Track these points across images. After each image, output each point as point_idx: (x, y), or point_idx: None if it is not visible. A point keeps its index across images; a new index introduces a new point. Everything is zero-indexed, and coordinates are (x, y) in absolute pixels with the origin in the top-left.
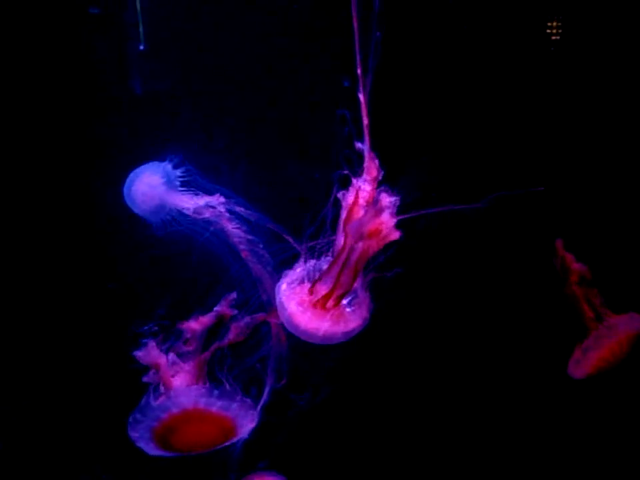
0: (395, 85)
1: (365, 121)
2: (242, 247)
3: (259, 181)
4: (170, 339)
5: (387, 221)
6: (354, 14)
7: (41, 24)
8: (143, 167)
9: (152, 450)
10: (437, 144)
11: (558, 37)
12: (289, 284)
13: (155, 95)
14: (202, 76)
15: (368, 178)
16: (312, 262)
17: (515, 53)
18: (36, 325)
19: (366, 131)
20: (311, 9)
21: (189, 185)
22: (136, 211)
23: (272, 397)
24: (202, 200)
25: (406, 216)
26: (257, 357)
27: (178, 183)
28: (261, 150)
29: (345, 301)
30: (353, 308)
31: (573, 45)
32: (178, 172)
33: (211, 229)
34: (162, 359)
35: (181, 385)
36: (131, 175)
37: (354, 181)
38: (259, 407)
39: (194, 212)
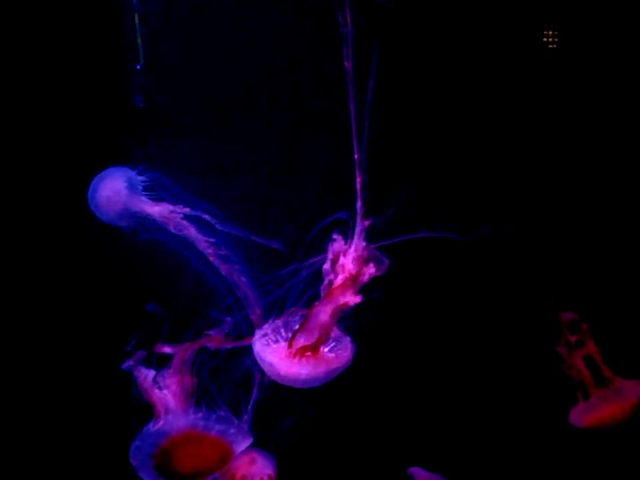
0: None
1: (359, 204)
2: (209, 252)
3: (250, 197)
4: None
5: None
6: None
7: (44, 34)
8: (105, 171)
9: (152, 478)
10: (431, 165)
11: (555, 46)
12: (265, 335)
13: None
14: (200, 89)
15: (354, 254)
16: (288, 311)
17: (511, 65)
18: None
19: (359, 210)
20: (310, 24)
21: (156, 191)
22: (101, 216)
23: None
24: (166, 207)
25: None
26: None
27: (141, 188)
28: (254, 167)
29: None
30: (334, 350)
31: (569, 53)
32: (141, 177)
33: (178, 234)
34: (150, 386)
35: (173, 406)
36: (94, 180)
37: (341, 257)
38: (248, 422)
39: (159, 218)
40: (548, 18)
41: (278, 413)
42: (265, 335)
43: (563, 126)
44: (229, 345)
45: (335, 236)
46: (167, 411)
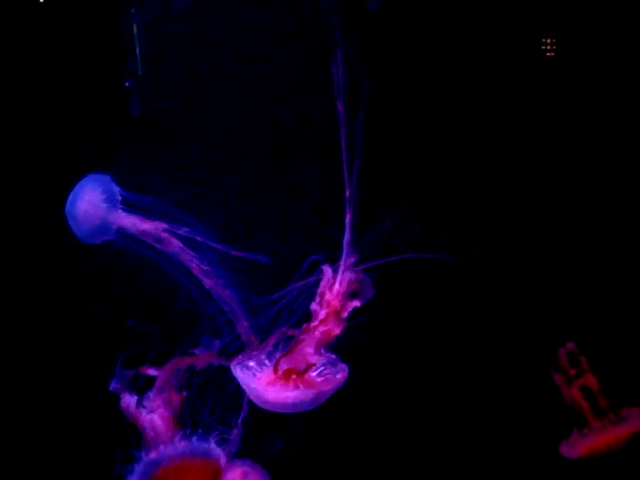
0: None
1: (346, 240)
2: (193, 266)
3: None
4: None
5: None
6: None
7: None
8: (83, 184)
9: None
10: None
11: (553, 54)
12: (248, 364)
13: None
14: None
15: (339, 289)
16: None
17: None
18: None
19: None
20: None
21: (136, 205)
22: (78, 231)
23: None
24: (147, 222)
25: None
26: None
27: (119, 201)
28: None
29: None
30: (323, 374)
31: (567, 63)
32: (121, 190)
33: (160, 250)
34: (135, 411)
35: (162, 428)
36: (71, 194)
37: (327, 292)
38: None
39: (140, 233)
40: (545, 27)
41: (270, 427)
42: (248, 363)
43: (555, 150)
44: (215, 363)
45: (323, 267)
46: (156, 435)
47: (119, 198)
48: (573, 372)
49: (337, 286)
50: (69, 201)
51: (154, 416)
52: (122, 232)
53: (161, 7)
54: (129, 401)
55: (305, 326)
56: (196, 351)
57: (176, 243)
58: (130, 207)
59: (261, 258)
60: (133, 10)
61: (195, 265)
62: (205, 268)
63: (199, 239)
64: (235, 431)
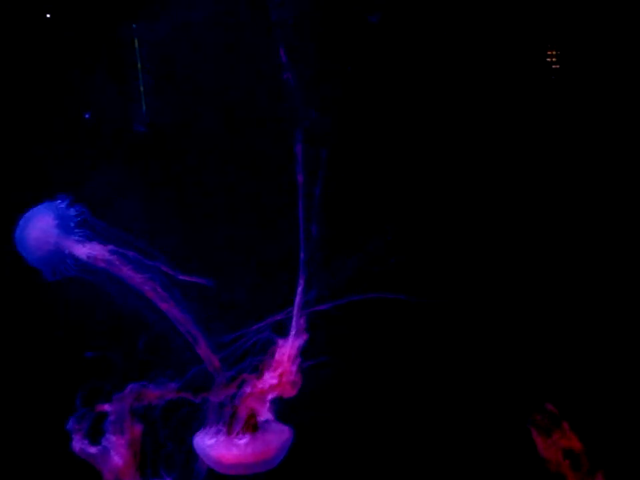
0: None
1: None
2: (147, 289)
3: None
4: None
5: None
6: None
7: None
8: (34, 210)
9: None
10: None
11: (558, 66)
12: (204, 435)
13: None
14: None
15: (285, 353)
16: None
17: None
18: None
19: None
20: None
21: (86, 230)
22: (28, 257)
23: None
24: (95, 246)
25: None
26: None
27: (73, 226)
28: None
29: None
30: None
31: (572, 74)
32: (73, 215)
33: (113, 274)
34: (90, 454)
35: (119, 467)
36: (22, 219)
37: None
38: None
39: (92, 258)
40: (551, 39)
41: None
42: (206, 435)
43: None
44: (169, 397)
45: (271, 336)
46: (115, 477)
47: (72, 224)
48: (555, 434)
49: (285, 350)
50: (19, 227)
51: (112, 456)
52: (75, 258)
53: (162, 23)
54: (80, 443)
55: (252, 382)
56: (150, 387)
57: (129, 267)
58: (83, 232)
59: (206, 282)
60: (134, 25)
61: (149, 288)
62: (160, 292)
63: (152, 263)
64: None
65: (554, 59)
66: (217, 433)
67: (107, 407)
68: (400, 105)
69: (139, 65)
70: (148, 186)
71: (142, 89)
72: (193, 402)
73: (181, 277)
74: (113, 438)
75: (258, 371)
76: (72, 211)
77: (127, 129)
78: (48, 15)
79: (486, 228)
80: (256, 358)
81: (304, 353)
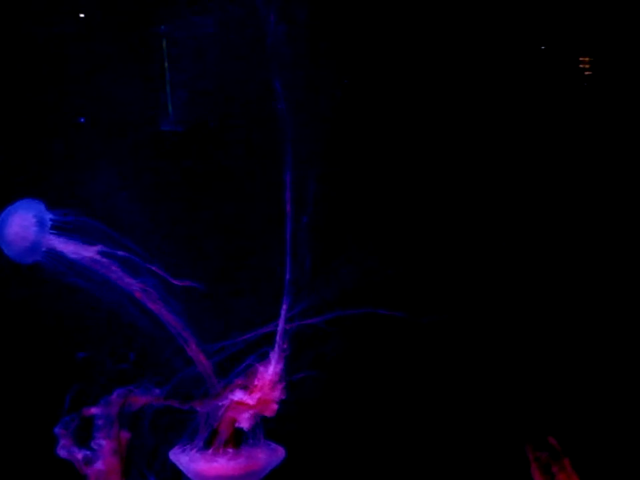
0: None
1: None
2: (133, 288)
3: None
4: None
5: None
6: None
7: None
8: (15, 205)
9: None
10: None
11: (590, 72)
12: (185, 447)
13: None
14: None
15: (267, 378)
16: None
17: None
18: None
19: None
20: None
21: (70, 228)
22: (9, 252)
23: None
24: (83, 245)
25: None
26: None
27: (50, 224)
28: None
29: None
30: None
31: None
32: (55, 213)
33: (99, 274)
34: (78, 459)
35: (103, 470)
36: (2, 215)
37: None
38: None
39: (74, 256)
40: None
41: None
42: (188, 447)
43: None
44: (156, 403)
45: (253, 362)
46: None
47: (50, 222)
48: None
49: (266, 376)
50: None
51: (98, 461)
52: (58, 257)
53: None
54: (66, 448)
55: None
56: (138, 392)
57: (116, 267)
58: (65, 230)
59: (197, 285)
60: (162, 27)
61: (137, 288)
62: (150, 292)
63: (138, 262)
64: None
65: (587, 66)
66: (200, 445)
67: (94, 411)
68: (394, 123)
69: (166, 65)
70: (147, 188)
71: (169, 89)
72: (180, 409)
73: (172, 280)
74: (99, 443)
75: (240, 388)
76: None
77: (140, 129)
78: (82, 15)
79: (478, 248)
80: (240, 370)
81: (291, 366)
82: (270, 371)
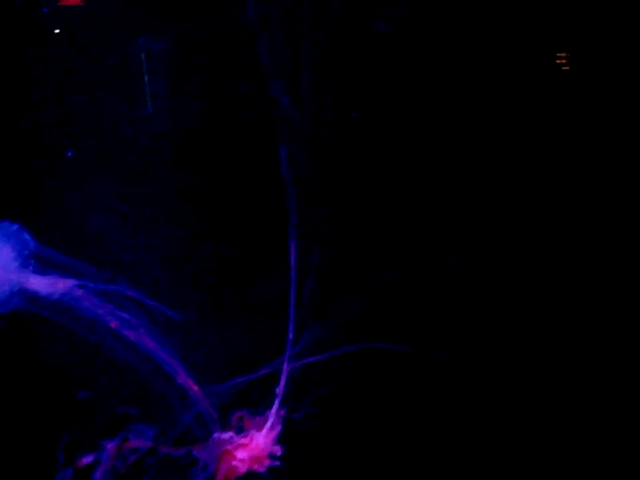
0: None
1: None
2: (109, 318)
3: None
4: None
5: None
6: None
7: None
8: None
9: None
10: None
11: (568, 67)
12: None
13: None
14: None
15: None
16: None
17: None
18: None
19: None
20: None
21: (43, 262)
22: None
23: None
24: (54, 280)
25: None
26: None
27: (30, 259)
28: None
29: None
30: None
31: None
32: (33, 247)
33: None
34: None
35: None
36: None
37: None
38: None
39: (52, 292)
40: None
41: None
42: None
43: None
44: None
45: (246, 415)
46: None
47: (31, 260)
48: None
49: (259, 440)
50: None
51: None
52: (34, 294)
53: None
54: None
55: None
56: (131, 438)
57: (92, 298)
58: (41, 266)
59: (172, 314)
60: (141, 40)
61: (115, 319)
62: (130, 320)
63: (116, 291)
64: None
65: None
66: None
67: (88, 461)
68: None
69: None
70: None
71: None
72: (177, 455)
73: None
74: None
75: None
76: (30, 240)
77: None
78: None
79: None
80: (236, 420)
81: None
82: (262, 438)
